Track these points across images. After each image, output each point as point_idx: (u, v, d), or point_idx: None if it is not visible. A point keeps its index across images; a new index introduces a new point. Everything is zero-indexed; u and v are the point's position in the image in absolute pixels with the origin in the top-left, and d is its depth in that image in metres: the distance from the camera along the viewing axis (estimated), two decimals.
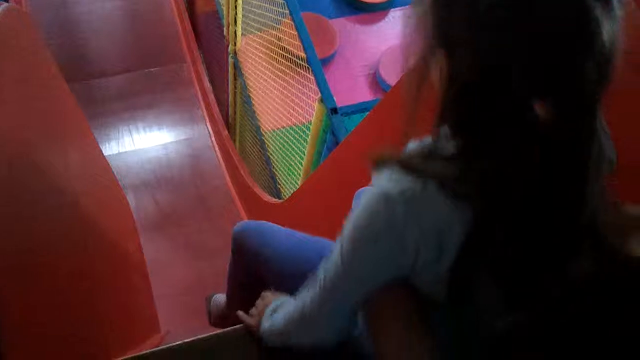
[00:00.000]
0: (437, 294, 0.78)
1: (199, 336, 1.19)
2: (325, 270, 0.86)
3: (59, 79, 1.85)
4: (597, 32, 0.59)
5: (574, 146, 0.64)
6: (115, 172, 4.98)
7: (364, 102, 2.95)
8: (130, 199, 4.61)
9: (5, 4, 1.11)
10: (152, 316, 2.53)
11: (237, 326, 1.21)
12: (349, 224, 0.80)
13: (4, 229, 0.97)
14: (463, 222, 0.71)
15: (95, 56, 6.22)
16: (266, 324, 1.10)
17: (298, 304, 0.96)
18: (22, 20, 1.31)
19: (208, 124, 5.70)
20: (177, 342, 1.16)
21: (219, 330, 1.24)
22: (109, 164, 2.75)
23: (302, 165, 3.67)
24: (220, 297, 1.99)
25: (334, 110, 2.92)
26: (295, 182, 3.93)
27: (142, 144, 5.57)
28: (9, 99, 1.10)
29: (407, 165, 0.73)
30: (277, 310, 1.09)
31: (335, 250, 0.83)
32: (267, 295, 1.19)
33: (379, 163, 0.78)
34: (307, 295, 0.93)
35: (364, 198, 0.78)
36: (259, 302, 1.20)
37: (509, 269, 0.71)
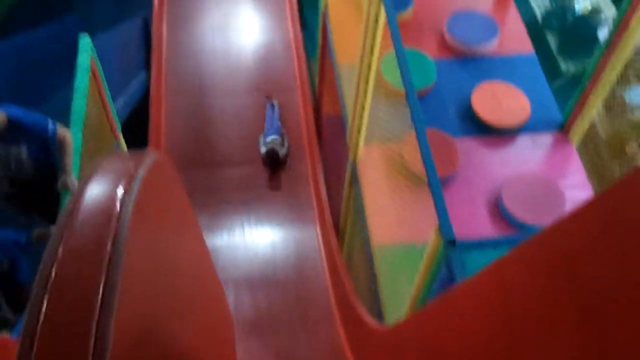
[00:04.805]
0: None
1: None
2: None
3: (196, 227, 1.97)
4: None
5: None
6: (221, 265, 5.02)
7: (484, 241, 2.72)
8: (230, 294, 4.57)
9: (151, 155, 1.07)
10: None
11: None
12: None
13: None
14: None
15: (222, 146, 6.51)
16: None
17: None
18: (168, 174, 1.30)
19: (318, 228, 5.65)
20: None
21: None
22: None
23: (409, 290, 3.44)
24: None
25: (452, 243, 2.72)
26: (401, 306, 3.69)
27: (252, 238, 5.62)
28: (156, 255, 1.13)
29: None
30: None
31: None
32: None
33: None
34: None
35: None
36: None
37: None
